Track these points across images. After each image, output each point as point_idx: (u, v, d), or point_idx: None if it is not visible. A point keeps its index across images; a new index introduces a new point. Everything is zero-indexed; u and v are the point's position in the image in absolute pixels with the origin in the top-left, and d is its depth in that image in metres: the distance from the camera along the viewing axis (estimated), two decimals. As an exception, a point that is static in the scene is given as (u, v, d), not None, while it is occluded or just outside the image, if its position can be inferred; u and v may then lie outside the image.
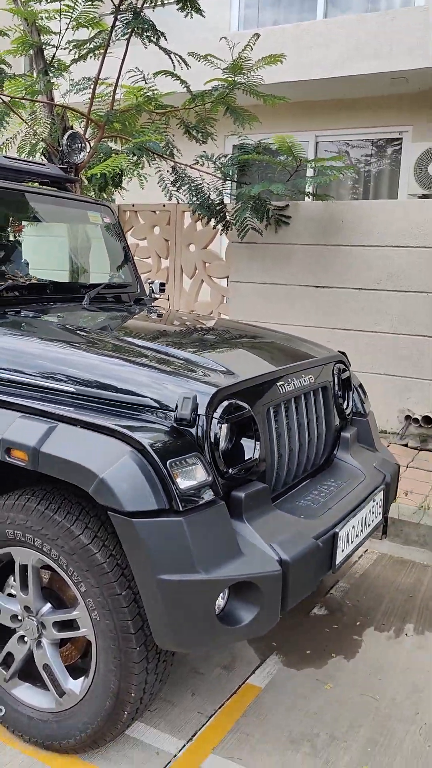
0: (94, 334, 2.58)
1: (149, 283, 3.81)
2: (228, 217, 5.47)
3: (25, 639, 2.19)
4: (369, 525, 2.64)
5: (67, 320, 2.79)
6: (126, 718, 2.04)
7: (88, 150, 3.97)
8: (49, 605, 2.14)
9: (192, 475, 1.96)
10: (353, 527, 2.47)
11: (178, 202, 5.58)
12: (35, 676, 2.22)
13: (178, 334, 2.95)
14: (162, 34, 5.01)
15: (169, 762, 2.18)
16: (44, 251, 3.71)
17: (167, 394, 2.11)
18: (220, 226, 5.58)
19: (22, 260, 3.34)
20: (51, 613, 2.13)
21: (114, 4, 4.74)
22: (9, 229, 3.31)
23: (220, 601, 1.96)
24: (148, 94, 5.43)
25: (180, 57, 5.11)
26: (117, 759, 2.18)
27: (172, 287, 6.34)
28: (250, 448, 2.22)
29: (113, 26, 4.81)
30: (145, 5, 4.84)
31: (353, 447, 3.01)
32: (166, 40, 5.01)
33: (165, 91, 5.46)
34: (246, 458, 2.19)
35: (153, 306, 3.69)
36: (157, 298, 3.81)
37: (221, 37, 5.56)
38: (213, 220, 5.49)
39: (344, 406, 3.01)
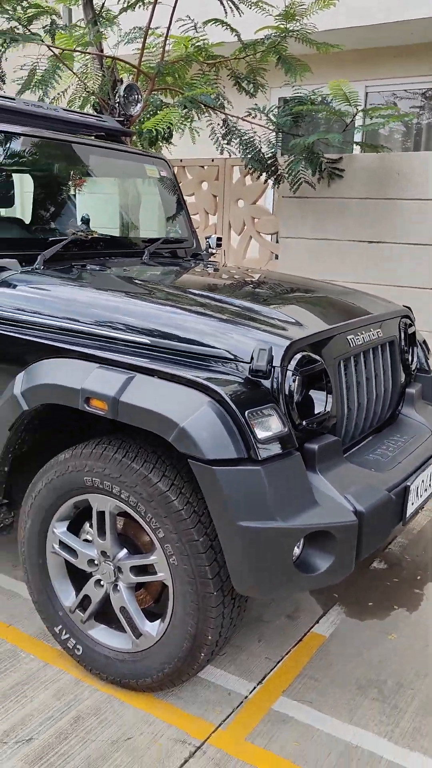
0: (162, 287, 2.58)
1: (206, 238, 3.77)
2: (280, 171, 5.36)
3: (102, 583, 2.26)
4: (436, 480, 2.63)
5: (133, 274, 2.79)
6: (202, 659, 2.10)
7: (142, 101, 3.91)
8: (125, 550, 2.20)
9: (269, 426, 1.97)
10: (422, 481, 2.46)
11: (230, 156, 5.49)
12: (111, 619, 2.29)
13: (243, 287, 2.93)
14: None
15: (241, 703, 2.25)
16: (102, 205, 3.70)
17: (242, 346, 2.11)
18: (271, 180, 5.47)
19: (84, 215, 3.33)
20: (128, 557, 2.18)
21: None
22: (70, 183, 3.30)
23: (296, 550, 1.99)
24: (197, 44, 5.30)
25: (232, 2, 4.97)
26: (190, 698, 2.26)
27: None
28: (323, 401, 2.21)
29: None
30: None
31: (418, 403, 2.98)
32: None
33: (214, 39, 5.32)
34: (319, 411, 2.19)
35: (210, 261, 3.67)
36: (213, 253, 3.78)
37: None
38: (264, 174, 5.39)
39: (409, 362, 2.98)
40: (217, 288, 2.79)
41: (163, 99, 5.35)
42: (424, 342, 3.26)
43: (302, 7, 5.11)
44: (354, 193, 5.29)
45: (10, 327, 2.40)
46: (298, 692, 2.31)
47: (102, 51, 5.15)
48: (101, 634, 2.30)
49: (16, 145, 3.01)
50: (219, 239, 3.77)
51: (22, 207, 3.38)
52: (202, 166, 6.21)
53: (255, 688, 2.32)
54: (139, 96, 3.76)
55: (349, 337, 2.46)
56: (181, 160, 6.32)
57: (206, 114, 5.20)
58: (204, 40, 5.28)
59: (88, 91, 5.04)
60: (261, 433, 1.94)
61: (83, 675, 2.33)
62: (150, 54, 5.25)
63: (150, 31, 5.03)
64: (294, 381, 2.10)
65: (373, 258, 5.28)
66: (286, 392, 2.07)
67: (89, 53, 5.08)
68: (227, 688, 2.31)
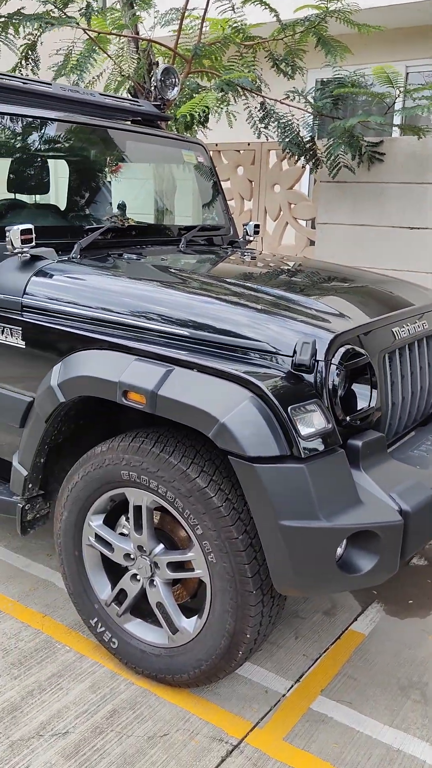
0: (202, 278, 2.52)
1: (244, 225, 3.70)
2: (318, 155, 5.23)
3: (138, 577, 2.23)
4: None
5: (170, 263, 2.74)
6: (240, 657, 2.06)
7: (179, 85, 3.83)
8: (162, 546, 2.17)
9: (312, 422, 1.91)
10: (467, 479, 2.37)
11: (267, 140, 5.37)
12: (147, 613, 2.27)
13: (283, 277, 2.86)
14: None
15: (279, 701, 2.21)
16: (138, 192, 3.65)
17: (283, 339, 2.04)
18: (309, 165, 5.35)
19: (120, 202, 3.29)
20: (164, 553, 2.15)
21: None
22: (106, 169, 3.26)
23: (339, 550, 1.93)
24: (235, 25, 5.19)
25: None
26: (227, 695, 2.23)
27: (256, 230, 6.18)
28: (367, 396, 2.14)
29: None
30: None
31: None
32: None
33: (252, 21, 5.20)
34: (363, 406, 2.12)
35: (247, 248, 3.59)
36: (251, 241, 3.71)
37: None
38: (302, 158, 5.27)
39: (454, 354, 2.87)
40: (255, 277, 2.72)
41: (199, 82, 5.26)
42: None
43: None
44: (394, 178, 5.14)
45: (47, 317, 2.37)
46: (337, 692, 2.26)
47: (138, 34, 5.07)
48: (137, 628, 2.28)
49: (51, 131, 2.97)
50: (257, 226, 3.69)
51: (57, 194, 3.34)
52: (238, 151, 6.10)
53: (293, 686, 2.28)
54: (177, 79, 3.68)
55: (394, 330, 2.38)
56: (216, 144, 6.22)
57: (243, 97, 5.10)
58: (242, 21, 5.17)
59: (123, 75, 4.97)
60: (304, 430, 1.87)
61: (119, 668, 2.32)
62: (186, 36, 5.16)
63: (186, 13, 4.94)
64: (338, 375, 2.03)
65: (413, 244, 5.14)
66: (330, 387, 2.00)
67: (125, 36, 5.00)
68: (264, 685, 2.28)
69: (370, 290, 2.70)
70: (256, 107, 5.22)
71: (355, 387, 2.15)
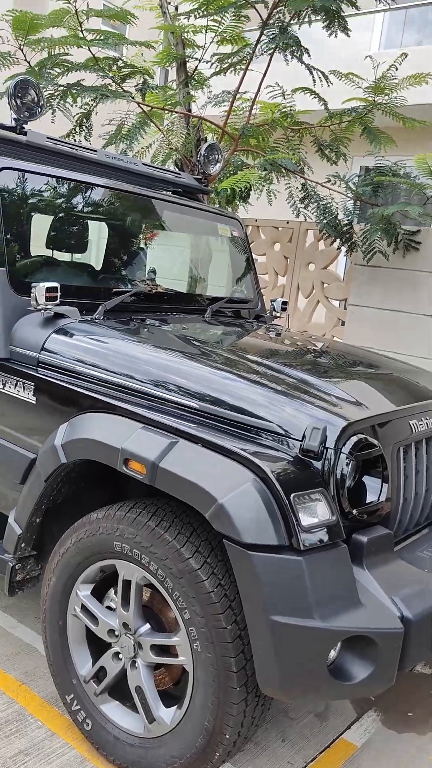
0: (220, 350, 2.50)
1: (272, 301, 3.71)
2: (354, 238, 5.29)
3: (120, 656, 2.12)
4: None
5: (191, 333, 2.74)
6: (217, 759, 1.92)
7: (222, 162, 3.94)
8: (148, 626, 2.06)
9: (315, 512, 1.82)
10: None
11: (305, 220, 5.47)
12: (125, 697, 2.14)
13: (304, 357, 2.82)
14: (306, 50, 4.94)
15: None
16: (171, 260, 3.70)
17: (294, 422, 1.99)
18: (344, 247, 5.41)
19: (151, 268, 3.32)
20: (150, 634, 2.04)
21: (261, 19, 4.72)
22: (141, 236, 3.31)
23: (332, 653, 1.81)
24: (284, 110, 5.38)
25: (322, 73, 5.03)
26: (201, 799, 2.06)
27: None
28: (377, 490, 2.05)
29: (258, 40, 4.79)
30: (292, 21, 4.79)
31: None
32: (309, 56, 4.94)
33: (300, 107, 5.39)
34: (372, 500, 2.03)
35: (273, 324, 3.59)
36: (278, 317, 3.70)
37: (366, 56, 5.43)
38: (338, 240, 5.34)
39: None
40: (275, 355, 2.69)
41: (244, 159, 5.41)
42: None
43: (393, 81, 5.13)
44: (429, 267, 5.15)
45: (61, 375, 2.36)
46: (319, 810, 2.08)
47: (190, 110, 5.28)
48: (113, 711, 2.15)
49: (94, 195, 3.05)
50: (285, 303, 3.70)
51: (96, 254, 3.40)
52: (277, 228, 6.21)
53: (273, 797, 2.11)
54: (220, 156, 3.79)
55: (411, 422, 2.30)
56: (256, 220, 6.35)
57: (285, 177, 5.22)
58: (291, 106, 5.36)
59: (171, 148, 5.15)
60: (306, 520, 1.79)
61: (89, 752, 2.17)
62: (236, 116, 5.35)
63: (238, 96, 5.14)
64: (347, 465, 1.95)
65: (443, 335, 5.10)
66: (338, 477, 1.93)
67: (177, 112, 5.20)
68: (242, 792, 2.11)
69: (391, 379, 2.64)
70: (297, 188, 5.34)
71: (366, 479, 2.06)
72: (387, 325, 5.41)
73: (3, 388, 2.49)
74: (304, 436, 1.90)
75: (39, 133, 2.93)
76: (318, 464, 1.92)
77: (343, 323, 5.75)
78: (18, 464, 2.41)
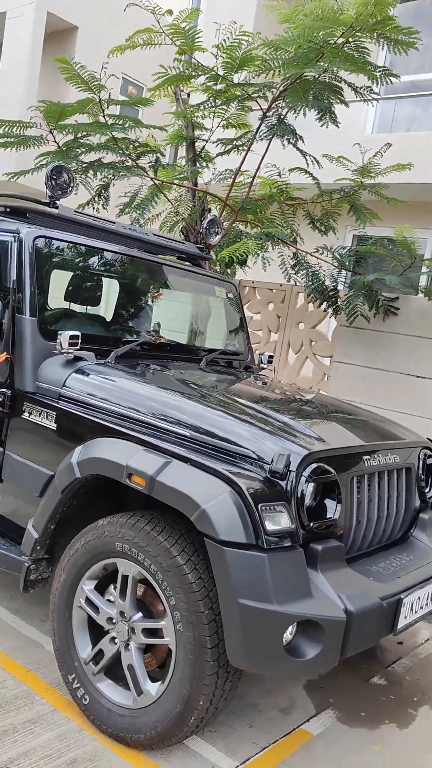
0: (210, 391, 3.01)
1: (259, 355, 4.24)
2: (339, 302, 5.88)
3: (116, 640, 2.55)
4: (434, 600, 2.84)
5: (187, 376, 3.25)
6: (192, 723, 2.33)
7: (221, 233, 4.53)
8: (140, 614, 2.50)
9: (278, 521, 2.30)
10: (418, 598, 2.69)
11: (296, 284, 6.07)
12: (118, 677, 2.56)
13: (281, 400, 3.33)
14: (300, 137, 5.63)
15: (222, 777, 2.44)
16: (174, 315, 4.24)
17: (265, 449, 2.48)
18: (330, 310, 6.00)
19: (156, 322, 3.87)
20: (141, 620, 2.48)
21: (262, 110, 5.41)
22: (149, 294, 3.87)
23: (288, 635, 2.25)
24: (281, 186, 6.04)
25: (314, 158, 5.70)
26: (177, 763, 2.46)
27: (277, 360, 6.77)
28: (331, 509, 2.53)
29: (258, 128, 5.47)
30: (287, 113, 5.48)
31: (431, 529, 3.22)
32: (303, 142, 5.62)
33: (296, 182, 6.05)
34: (326, 516, 2.51)
35: (260, 374, 4.11)
36: (264, 368, 4.23)
37: (354, 144, 6.13)
38: (325, 303, 5.93)
39: (426, 490, 3.25)
40: (258, 398, 3.20)
41: (242, 228, 6.04)
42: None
43: (378, 167, 5.82)
44: (407, 331, 5.72)
45: (79, 407, 2.86)
46: (276, 778, 2.48)
47: (196, 185, 5.94)
48: (108, 688, 2.57)
49: (108, 258, 3.62)
50: (270, 357, 4.23)
51: (109, 308, 3.95)
52: (271, 289, 6.82)
53: (237, 767, 2.50)
54: (220, 229, 4.39)
55: (365, 458, 2.79)
56: (252, 282, 6.97)
57: (278, 246, 5.84)
58: (286, 184, 6.03)
59: (178, 217, 5.78)
60: (270, 526, 2.27)
61: (86, 725, 2.58)
62: (236, 190, 6.02)
63: (240, 172, 5.81)
64: (306, 486, 2.44)
65: (418, 392, 5.62)
66: (298, 495, 2.41)
67: (185, 186, 5.87)
68: (212, 761, 2.51)
69: (355, 422, 3.15)
70: (289, 256, 5.96)
71: (323, 500, 2.54)
72: (368, 381, 5.94)
73: (29, 417, 2.99)
74: (272, 461, 2.39)
75: (68, 207, 3.52)
76: (283, 484, 2.40)
77: (328, 377, 6.28)
78: (38, 480, 2.88)
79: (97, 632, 2.64)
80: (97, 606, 2.60)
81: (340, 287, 5.98)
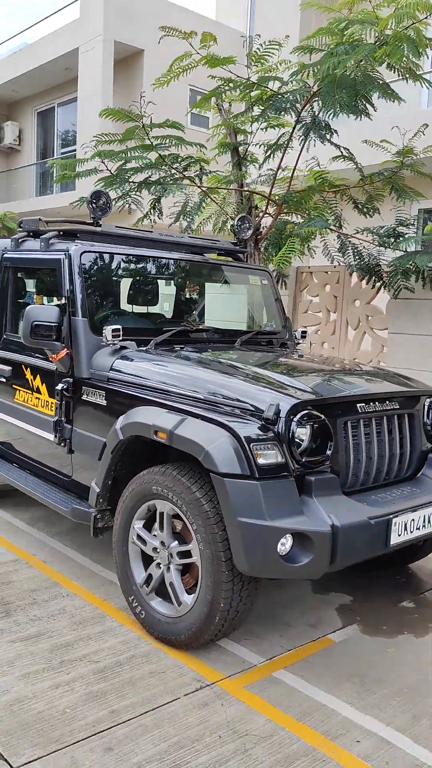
0: (229, 364, 3.59)
1: (294, 332, 4.76)
2: (384, 278, 6.24)
3: (160, 565, 3.20)
4: (435, 524, 3.26)
5: (212, 355, 3.83)
6: (217, 623, 2.93)
7: (252, 228, 5.08)
8: (176, 542, 3.13)
9: (267, 456, 2.85)
10: (413, 520, 3.13)
11: (338, 264, 6.49)
12: (164, 593, 3.21)
13: (292, 365, 3.86)
14: (335, 131, 6.06)
15: (250, 668, 3.02)
16: (215, 305, 4.86)
17: (262, 402, 3.03)
18: (378, 284, 6.36)
19: (195, 312, 4.50)
20: (177, 546, 3.12)
21: (295, 114, 5.86)
22: (186, 289, 4.51)
23: (287, 545, 2.78)
24: (322, 177, 6.48)
25: (348, 150, 6.10)
26: (214, 658, 3.07)
27: (337, 337, 7.20)
28: (323, 447, 3.04)
29: (293, 130, 5.96)
30: (320, 112, 5.92)
31: (441, 467, 3.62)
32: (337, 135, 6.02)
33: (340, 169, 6.45)
34: (317, 454, 3.02)
35: (295, 348, 4.63)
36: (299, 343, 4.74)
37: (393, 126, 6.43)
38: (373, 279, 6.31)
39: (431, 432, 3.65)
40: (271, 365, 3.74)
41: (288, 219, 6.53)
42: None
43: (416, 149, 6.14)
44: (451, 296, 5.99)
45: (121, 385, 3.54)
46: (296, 669, 3.02)
47: (242, 186, 6.51)
48: (157, 604, 3.22)
49: (149, 263, 4.29)
50: (304, 332, 4.74)
51: (152, 304, 4.63)
52: (326, 272, 7.26)
53: (264, 661, 3.07)
54: (250, 224, 4.94)
55: (359, 405, 3.27)
56: (308, 267, 7.44)
57: (324, 233, 6.29)
58: (324, 174, 6.46)
59: (226, 216, 6.38)
60: (261, 460, 2.82)
61: (144, 634, 3.24)
62: (280, 187, 6.53)
63: (285, 168, 6.31)
64: (296, 428, 2.96)
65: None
66: (288, 436, 2.94)
67: (231, 189, 6.46)
68: (243, 658, 3.09)
69: (356, 377, 3.62)
70: (334, 240, 6.40)
71: (317, 440, 3.05)
72: (420, 348, 6.25)
73: (87, 398, 3.71)
74: (265, 410, 2.94)
75: (110, 225, 4.24)
76: (277, 428, 2.95)
77: (386, 349, 6.64)
78: (96, 447, 3.59)
79: (147, 561, 3.30)
80: (145, 540, 3.27)
81: (383, 264, 6.32)
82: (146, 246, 4.34)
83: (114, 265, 4.11)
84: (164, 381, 3.39)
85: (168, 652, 3.11)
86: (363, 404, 3.29)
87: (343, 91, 5.33)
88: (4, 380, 4.51)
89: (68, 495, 3.94)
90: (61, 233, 4.17)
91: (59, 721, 2.58)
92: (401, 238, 6.03)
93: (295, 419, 2.98)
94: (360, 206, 6.50)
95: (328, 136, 6.01)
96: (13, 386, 4.41)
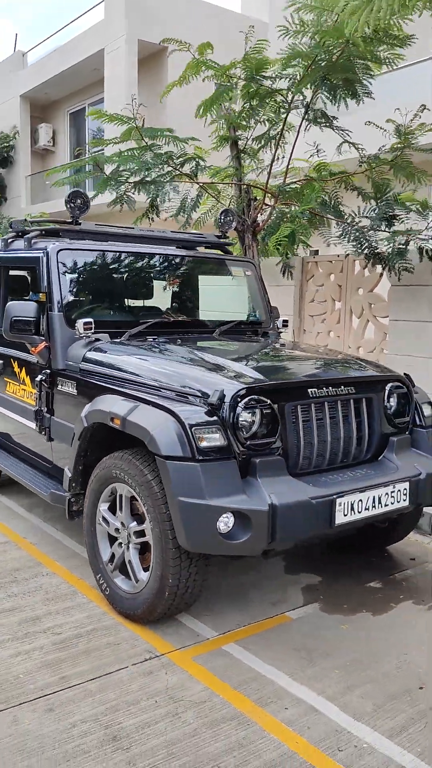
0: (187, 353, 3.73)
1: (276, 320, 4.86)
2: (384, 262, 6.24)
3: (121, 544, 3.38)
4: (386, 505, 3.33)
5: (179, 345, 3.97)
6: (167, 597, 3.10)
7: (235, 221, 5.19)
8: (135, 522, 3.31)
9: (210, 439, 2.99)
10: (360, 501, 3.22)
11: (348, 253, 6.52)
12: (125, 572, 3.39)
13: (252, 353, 4.00)
14: (334, 117, 6.11)
15: (203, 641, 3.17)
16: (196, 297, 4.99)
17: (208, 388, 3.16)
18: (379, 267, 6.37)
19: (174, 304, 4.66)
20: (135, 526, 3.29)
21: (286, 104, 5.93)
22: (166, 282, 4.67)
23: (228, 523, 2.91)
24: (323, 166, 6.51)
25: (349, 135, 6.14)
26: (170, 632, 3.24)
27: (342, 326, 7.23)
28: (265, 430, 3.15)
29: (285, 120, 6.04)
30: (314, 99, 5.97)
31: (402, 450, 3.69)
32: (336, 120, 6.06)
33: (346, 158, 6.46)
34: (262, 437, 3.14)
35: (276, 338, 4.74)
36: (281, 332, 4.84)
37: (395, 108, 6.41)
38: (375, 263, 6.32)
39: (391, 416, 3.71)
40: (227, 353, 3.87)
41: (285, 209, 6.59)
42: (430, 402, 3.94)
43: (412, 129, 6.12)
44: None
45: (90, 375, 3.73)
46: (246, 643, 3.16)
47: (241, 180, 6.61)
48: (120, 581, 3.40)
49: (126, 257, 4.46)
50: (285, 322, 4.84)
51: (128, 298, 4.79)
52: (330, 261, 7.29)
53: (217, 635, 3.22)
54: (233, 218, 5.06)
55: (310, 390, 3.37)
56: (313, 257, 7.49)
57: (320, 224, 6.36)
58: (324, 163, 6.50)
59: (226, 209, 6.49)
60: (202, 443, 2.97)
61: (109, 610, 3.44)
62: (276, 178, 6.60)
63: (277, 159, 6.38)
64: (242, 413, 3.09)
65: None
66: (231, 420, 3.07)
67: (230, 183, 6.57)
68: (198, 632, 3.25)
69: (313, 363, 3.72)
70: (335, 226, 6.44)
71: (262, 424, 3.17)
72: (420, 334, 6.24)
73: (61, 388, 3.92)
74: (210, 395, 3.08)
75: (89, 223, 4.43)
76: (221, 412, 3.08)
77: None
78: (69, 434, 3.80)
79: (112, 541, 3.49)
80: (108, 521, 3.46)
81: (380, 248, 6.31)
82: (127, 241, 4.51)
83: (92, 262, 4.30)
84: (126, 370, 3.57)
85: (128, 626, 3.29)
86: (314, 389, 3.39)
87: (338, 74, 5.39)
88: (-1, 374, 4.78)
89: (50, 481, 4.17)
90: (44, 233, 4.39)
91: (11, 685, 2.79)
92: (394, 220, 6.01)
93: (240, 404, 3.10)
94: (366, 195, 6.50)
95: (326, 124, 6.07)
96: (5, 379, 4.67)
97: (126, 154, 5.88)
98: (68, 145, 18.54)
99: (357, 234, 6.24)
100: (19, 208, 18.86)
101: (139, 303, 4.69)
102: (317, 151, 6.51)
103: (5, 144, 18.88)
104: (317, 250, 7.73)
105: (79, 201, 4.29)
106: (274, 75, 5.88)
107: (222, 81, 6.11)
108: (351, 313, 7.12)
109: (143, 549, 3.33)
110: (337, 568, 4.03)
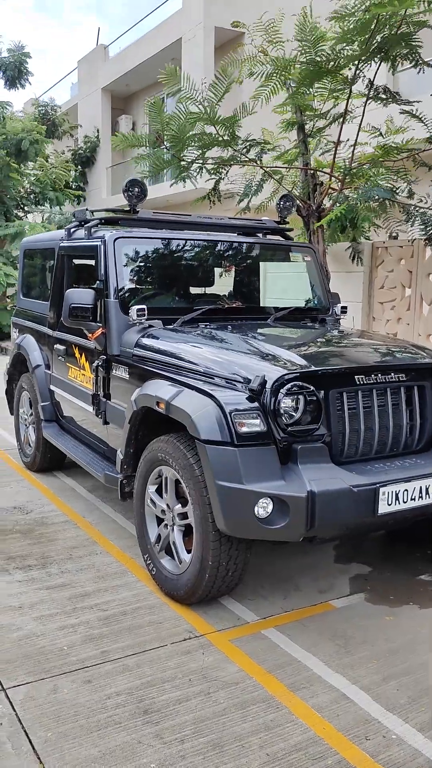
0: (233, 339, 3.74)
1: (335, 307, 4.78)
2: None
3: (167, 526, 3.45)
4: (434, 496, 3.24)
5: (230, 332, 3.98)
6: (207, 579, 3.14)
7: (294, 206, 5.13)
8: (179, 504, 3.37)
9: (250, 424, 3.00)
10: (406, 490, 3.14)
11: (414, 240, 6.32)
12: (171, 554, 3.46)
13: (304, 339, 3.95)
14: (396, 93, 5.94)
15: (243, 624, 3.20)
16: (256, 283, 4.97)
17: (251, 374, 3.17)
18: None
19: (230, 291, 4.67)
20: (179, 508, 3.35)
21: (348, 81, 5.81)
22: (222, 268, 4.68)
23: (267, 508, 2.92)
24: (390, 144, 6.33)
25: (415, 109, 5.95)
26: (212, 614, 3.29)
27: (412, 314, 7.02)
28: (309, 417, 3.13)
29: (348, 99, 5.91)
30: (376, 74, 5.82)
31: (457, 439, 3.56)
32: (400, 96, 5.89)
33: (414, 133, 6.28)
34: (304, 423, 3.11)
35: (333, 324, 4.66)
36: (339, 318, 4.76)
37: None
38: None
39: (446, 404, 3.59)
40: (280, 339, 3.84)
41: (348, 194, 6.45)
42: None
43: None
44: None
45: (142, 361, 3.81)
46: (286, 629, 3.17)
47: (307, 164, 6.52)
48: (166, 561, 3.48)
49: (183, 245, 4.50)
50: (344, 308, 4.74)
51: (187, 285, 4.82)
52: (401, 246, 7.08)
53: (258, 620, 3.24)
54: (292, 203, 5.00)
55: (357, 377, 3.31)
56: (384, 242, 7.29)
57: (387, 206, 6.18)
58: (393, 143, 6.31)
59: (292, 193, 6.43)
60: (241, 429, 2.98)
61: (154, 589, 3.52)
62: (340, 159, 6.47)
63: (343, 143, 6.26)
64: (283, 399, 3.08)
65: None
66: (272, 407, 3.06)
67: (296, 168, 6.49)
68: (239, 615, 3.28)
69: (363, 350, 3.64)
70: (400, 211, 6.26)
71: (306, 411, 3.15)
72: None
73: (116, 373, 4.03)
74: (251, 381, 3.09)
75: (147, 211, 4.51)
76: (263, 398, 3.08)
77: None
78: (122, 418, 3.90)
79: (159, 522, 3.57)
80: (155, 503, 3.54)
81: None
82: (184, 229, 4.56)
83: (148, 249, 4.37)
84: (176, 356, 3.62)
85: (172, 607, 3.36)
86: (361, 376, 3.32)
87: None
88: (62, 359, 4.95)
89: (106, 463, 4.30)
90: (103, 221, 4.50)
91: (55, 656, 2.92)
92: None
93: (282, 390, 3.09)
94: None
95: (390, 100, 5.91)
96: (67, 364, 4.84)
97: (190, 141, 5.92)
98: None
99: (424, 218, 6.05)
100: (100, 199, 19.35)
101: (196, 290, 4.73)
102: (382, 134, 6.34)
103: (89, 145, 19.44)
104: (396, 235, 7.53)
105: (136, 189, 4.37)
106: (331, 52, 5.74)
107: (282, 73, 6.02)
108: (422, 300, 6.90)
109: (187, 531, 3.39)
110: (390, 559, 3.95)
